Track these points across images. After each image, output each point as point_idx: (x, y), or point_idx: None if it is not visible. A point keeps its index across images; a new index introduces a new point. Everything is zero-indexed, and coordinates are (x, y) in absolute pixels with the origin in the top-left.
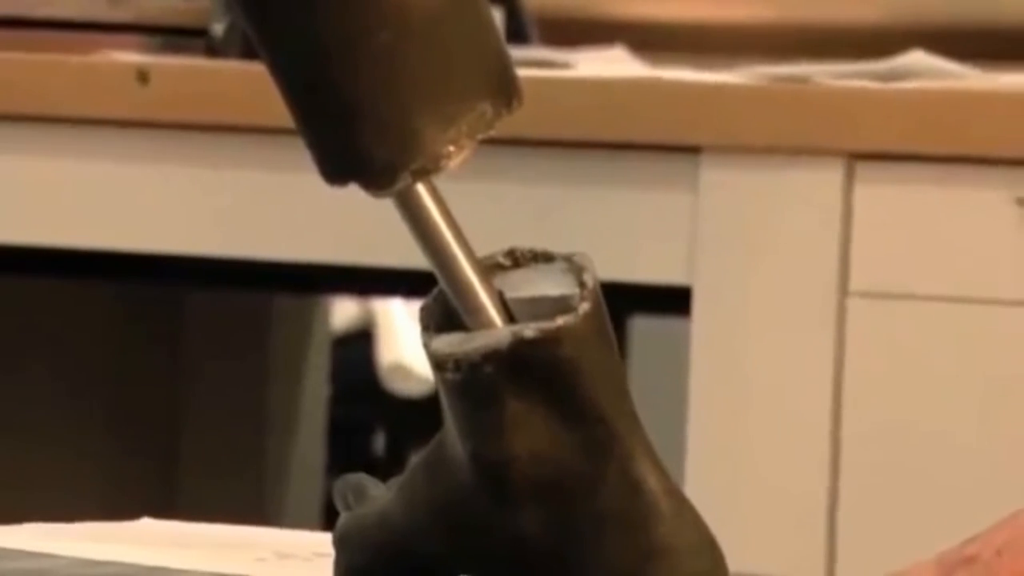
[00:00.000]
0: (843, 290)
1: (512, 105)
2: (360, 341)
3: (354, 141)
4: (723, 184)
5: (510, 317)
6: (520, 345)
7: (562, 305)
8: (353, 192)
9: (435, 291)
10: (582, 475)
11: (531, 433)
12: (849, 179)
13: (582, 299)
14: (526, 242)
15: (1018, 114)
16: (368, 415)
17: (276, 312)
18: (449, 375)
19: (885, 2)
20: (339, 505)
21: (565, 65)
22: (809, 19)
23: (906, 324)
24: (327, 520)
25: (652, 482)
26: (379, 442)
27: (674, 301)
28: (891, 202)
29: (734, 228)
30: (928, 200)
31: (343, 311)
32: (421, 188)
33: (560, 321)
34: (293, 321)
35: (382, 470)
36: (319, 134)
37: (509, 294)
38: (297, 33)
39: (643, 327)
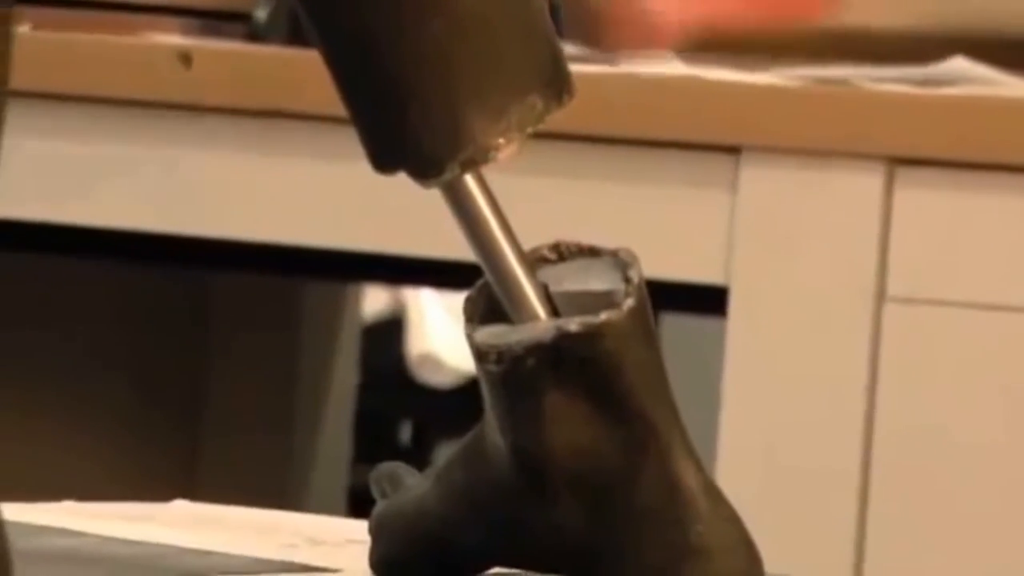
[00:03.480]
0: (880, 295)
1: (563, 99)
2: (390, 330)
3: (404, 130)
4: (762, 185)
5: (554, 311)
6: (563, 339)
7: (606, 300)
8: (388, 180)
9: (479, 283)
10: (620, 470)
11: (571, 427)
12: (889, 183)
13: (627, 295)
14: (561, 237)
15: None
16: (396, 405)
17: (307, 298)
18: (491, 367)
19: (926, 8)
20: (375, 493)
21: (604, 61)
22: (849, 22)
23: (942, 331)
24: (352, 507)
25: (690, 480)
26: (406, 432)
27: (707, 300)
28: (931, 208)
29: (772, 229)
30: (967, 207)
31: (374, 300)
32: (469, 179)
33: (604, 316)
34: (324, 308)
35: (408, 460)
36: (369, 122)
37: (553, 288)
38: (350, 21)
39: (676, 325)
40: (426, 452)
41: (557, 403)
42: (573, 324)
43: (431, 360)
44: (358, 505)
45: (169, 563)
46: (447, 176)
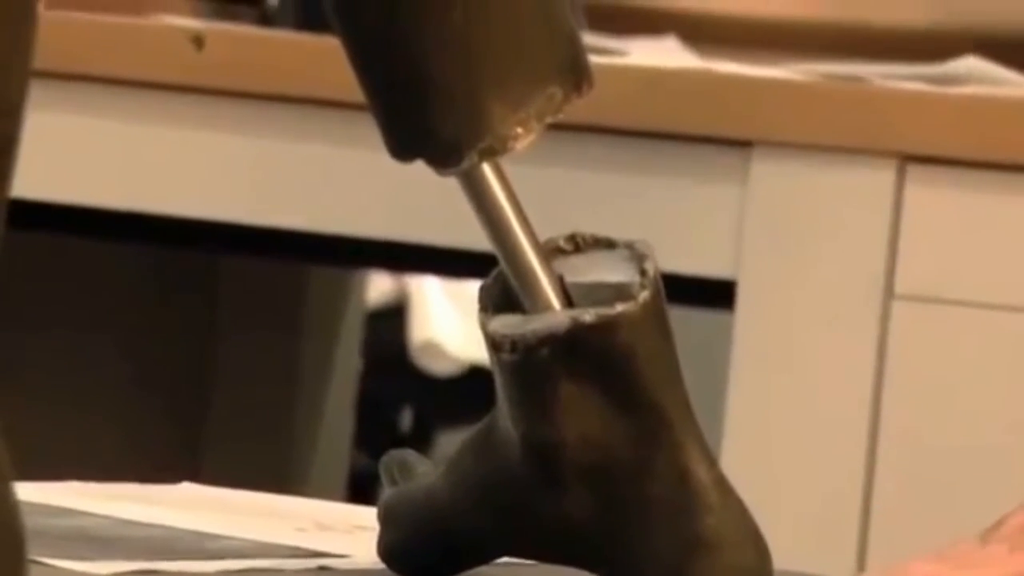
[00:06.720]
0: (888, 293)
1: (582, 90)
2: (393, 317)
3: (423, 118)
4: (773, 180)
5: (569, 301)
6: (578, 330)
7: (622, 292)
8: (394, 167)
9: (495, 272)
10: (632, 462)
11: (583, 417)
12: (900, 181)
13: (642, 287)
14: (569, 228)
15: None
16: (397, 391)
17: (312, 284)
18: (505, 356)
19: (939, 6)
20: (384, 480)
21: (617, 53)
22: (862, 19)
23: (950, 330)
24: (352, 493)
25: (701, 473)
26: (406, 419)
27: (716, 294)
28: (941, 206)
29: (782, 224)
30: (978, 206)
31: (378, 286)
32: (487, 168)
33: (619, 308)
34: (328, 293)
35: (407, 447)
36: (389, 109)
37: (569, 278)
38: (373, 9)
39: (683, 319)
40: (426, 439)
41: (570, 394)
42: (588, 315)
43: (433, 347)
44: (358, 490)
45: (182, 546)
46: (465, 165)
